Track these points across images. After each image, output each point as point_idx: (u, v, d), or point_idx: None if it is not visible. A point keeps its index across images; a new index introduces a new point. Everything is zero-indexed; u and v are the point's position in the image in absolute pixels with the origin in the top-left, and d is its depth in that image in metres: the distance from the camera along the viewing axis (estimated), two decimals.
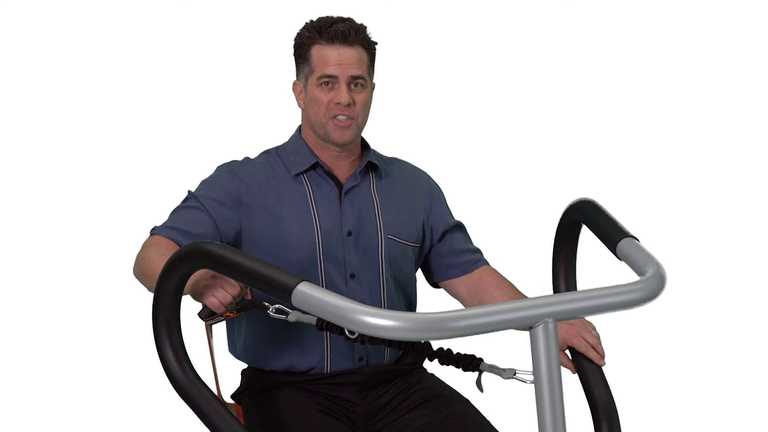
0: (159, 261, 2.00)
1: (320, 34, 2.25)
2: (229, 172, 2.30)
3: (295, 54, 2.32)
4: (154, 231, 2.24)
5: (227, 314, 2.09)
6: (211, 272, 2.00)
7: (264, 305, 2.08)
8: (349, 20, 2.28)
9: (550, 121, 4.23)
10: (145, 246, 2.20)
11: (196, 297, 2.03)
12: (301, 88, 2.32)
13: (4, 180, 4.00)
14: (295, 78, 2.35)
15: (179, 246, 2.17)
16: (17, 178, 4.00)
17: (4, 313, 3.89)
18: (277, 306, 2.06)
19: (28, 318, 3.87)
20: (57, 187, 4.00)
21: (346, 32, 2.24)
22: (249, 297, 2.11)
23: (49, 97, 4.03)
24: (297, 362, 2.27)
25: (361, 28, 2.28)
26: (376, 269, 2.31)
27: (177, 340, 1.85)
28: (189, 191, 2.30)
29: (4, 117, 4.03)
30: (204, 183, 2.31)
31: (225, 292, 1.98)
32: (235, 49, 4.07)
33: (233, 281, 1.99)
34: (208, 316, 2.11)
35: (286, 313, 2.06)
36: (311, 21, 2.30)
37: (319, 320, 2.08)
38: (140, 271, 2.17)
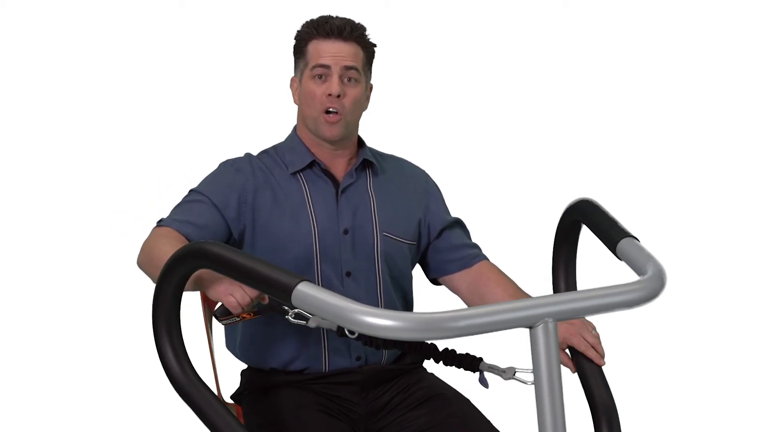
0: (169, 251, 1.94)
1: (317, 30, 2.28)
2: (234, 170, 2.31)
3: (294, 50, 2.35)
4: (162, 223, 2.22)
5: (243, 315, 2.04)
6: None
7: (283, 309, 2.03)
8: (348, 18, 2.32)
9: (550, 120, 4.23)
10: (155, 236, 2.17)
11: (210, 292, 1.99)
12: (297, 84, 2.33)
13: (3, 180, 4.00)
14: (293, 75, 2.37)
15: (188, 238, 2.16)
16: (17, 178, 4.01)
17: (4, 313, 3.89)
18: (296, 311, 2.02)
19: (28, 318, 3.87)
20: (56, 187, 4.00)
21: (342, 27, 2.27)
22: (266, 301, 2.04)
23: (49, 96, 4.03)
24: (294, 359, 2.28)
25: (359, 26, 2.31)
26: (372, 267, 2.31)
27: (177, 340, 1.85)
28: (192, 189, 2.30)
29: (4, 117, 4.03)
30: (209, 179, 2.32)
31: (243, 291, 1.95)
32: (235, 48, 4.07)
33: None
34: (223, 315, 2.06)
35: (306, 318, 2.02)
36: (310, 19, 2.33)
37: (340, 327, 2.05)
38: (148, 261, 2.13)
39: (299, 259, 2.24)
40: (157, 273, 1.99)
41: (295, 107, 2.38)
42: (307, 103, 2.28)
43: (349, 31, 2.27)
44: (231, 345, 2.40)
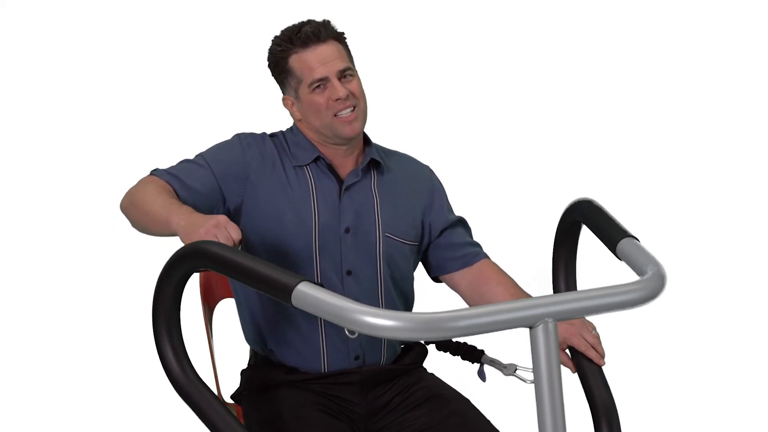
0: (152, 196, 2.11)
1: (293, 42, 2.25)
2: (246, 145, 2.30)
3: (274, 72, 2.32)
4: (155, 172, 2.24)
5: None
6: (214, 218, 1.97)
7: None
8: (312, 21, 2.29)
9: (550, 120, 4.23)
10: (142, 182, 2.21)
11: (187, 240, 1.97)
12: (292, 101, 2.31)
13: (3, 180, 4.01)
14: (282, 95, 2.34)
15: (175, 192, 2.18)
16: (17, 177, 4.01)
17: (4, 313, 3.89)
18: None
19: (28, 318, 3.87)
20: (56, 186, 4.00)
21: (316, 31, 2.24)
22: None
23: (49, 96, 4.03)
24: (292, 355, 2.28)
25: (327, 24, 2.28)
26: (373, 267, 2.31)
27: (177, 340, 1.86)
28: (199, 153, 2.30)
29: (4, 116, 4.03)
30: (217, 148, 2.31)
31: (227, 233, 1.93)
32: (234, 48, 4.06)
33: (237, 227, 1.96)
34: None
35: None
36: (276, 36, 2.30)
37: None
38: (130, 201, 2.18)
39: (298, 252, 2.24)
40: (138, 215, 2.13)
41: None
42: (315, 114, 2.26)
43: (324, 33, 2.25)
44: (240, 320, 2.40)
